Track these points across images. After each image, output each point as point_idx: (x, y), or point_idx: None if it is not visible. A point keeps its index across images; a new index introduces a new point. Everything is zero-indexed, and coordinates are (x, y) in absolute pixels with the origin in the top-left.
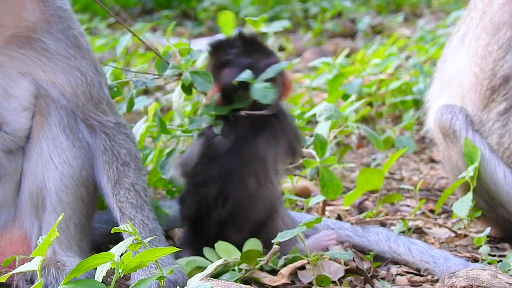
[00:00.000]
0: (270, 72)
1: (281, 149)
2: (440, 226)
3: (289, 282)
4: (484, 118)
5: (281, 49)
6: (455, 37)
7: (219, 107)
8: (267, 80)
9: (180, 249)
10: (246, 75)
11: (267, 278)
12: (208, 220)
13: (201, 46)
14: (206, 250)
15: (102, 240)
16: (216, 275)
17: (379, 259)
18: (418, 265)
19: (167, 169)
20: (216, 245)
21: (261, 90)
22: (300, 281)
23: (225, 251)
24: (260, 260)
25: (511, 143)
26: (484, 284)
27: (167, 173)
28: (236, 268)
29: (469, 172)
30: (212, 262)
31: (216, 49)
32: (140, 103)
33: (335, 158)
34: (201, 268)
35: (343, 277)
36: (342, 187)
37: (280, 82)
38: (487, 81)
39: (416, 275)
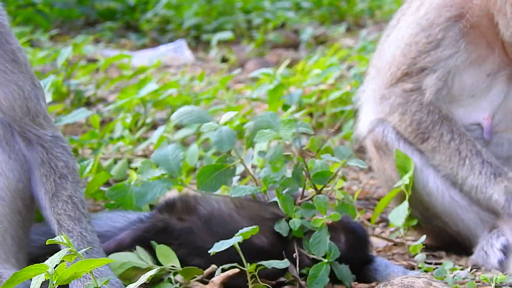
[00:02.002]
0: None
1: None
2: (377, 236)
3: None
4: (386, 92)
5: (224, 60)
6: (394, 30)
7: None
8: None
9: (114, 260)
10: None
11: (198, 286)
12: None
13: (144, 57)
14: (139, 249)
15: (40, 252)
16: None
17: None
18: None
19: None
20: (157, 248)
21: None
22: None
23: (164, 256)
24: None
25: (412, 121)
26: None
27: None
28: (172, 277)
29: (405, 180)
30: (146, 262)
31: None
32: (81, 114)
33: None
34: (137, 269)
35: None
36: None
37: None
38: (405, 66)
39: (359, 282)
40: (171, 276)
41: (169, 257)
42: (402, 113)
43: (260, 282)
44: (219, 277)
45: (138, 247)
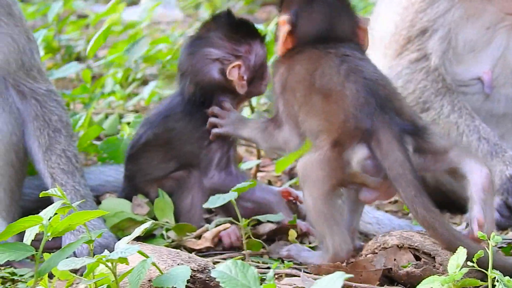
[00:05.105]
0: None
1: None
2: None
3: (212, 245)
4: (394, 64)
5: None
6: None
7: None
8: None
9: (108, 212)
10: None
11: (191, 242)
12: None
13: (133, 14)
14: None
15: (33, 206)
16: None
17: None
18: (360, 227)
19: None
20: (156, 200)
21: None
22: None
23: (160, 210)
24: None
25: (416, 89)
26: (415, 244)
27: None
28: (164, 233)
29: None
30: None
31: None
32: (72, 68)
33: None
34: (131, 220)
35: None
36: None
37: None
38: (405, 31)
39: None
40: (164, 232)
41: (165, 212)
42: (407, 81)
43: (253, 238)
44: (211, 233)
45: (137, 196)
